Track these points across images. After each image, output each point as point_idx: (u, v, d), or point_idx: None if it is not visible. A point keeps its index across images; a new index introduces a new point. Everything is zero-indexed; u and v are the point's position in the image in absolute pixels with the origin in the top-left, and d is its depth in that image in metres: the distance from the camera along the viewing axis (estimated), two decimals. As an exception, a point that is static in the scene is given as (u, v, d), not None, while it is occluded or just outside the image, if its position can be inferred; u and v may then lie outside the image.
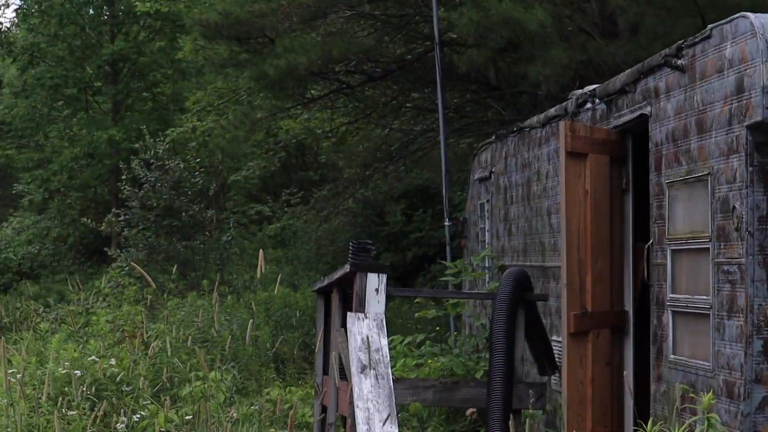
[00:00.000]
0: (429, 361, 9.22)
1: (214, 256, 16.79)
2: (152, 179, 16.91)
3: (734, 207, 5.58)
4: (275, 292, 12.23)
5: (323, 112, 17.27)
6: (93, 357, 8.76)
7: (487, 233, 11.27)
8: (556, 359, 7.86)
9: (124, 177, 17.62)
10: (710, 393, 5.57)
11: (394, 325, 11.59)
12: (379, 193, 18.15)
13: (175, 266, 13.49)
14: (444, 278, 10.92)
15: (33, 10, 23.26)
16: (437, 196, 14.50)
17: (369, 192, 18.05)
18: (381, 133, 17.35)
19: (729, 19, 5.69)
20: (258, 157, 19.95)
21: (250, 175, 20.05)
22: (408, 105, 16.48)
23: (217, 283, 10.10)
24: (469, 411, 8.59)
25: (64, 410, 7.26)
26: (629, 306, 7.78)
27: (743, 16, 5.45)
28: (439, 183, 12.71)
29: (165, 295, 12.54)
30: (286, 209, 20.18)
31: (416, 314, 10.96)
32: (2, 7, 48.17)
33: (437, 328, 11.06)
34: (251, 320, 9.13)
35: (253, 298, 13.88)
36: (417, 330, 11.32)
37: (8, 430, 7.15)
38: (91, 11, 23.25)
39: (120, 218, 17.75)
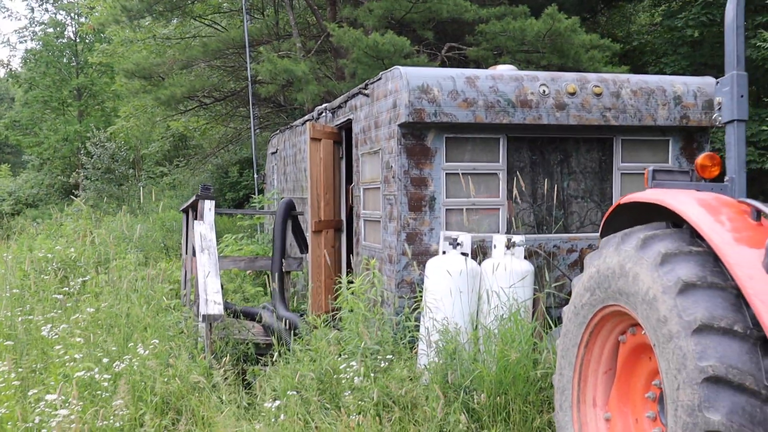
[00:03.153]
0: (245, 248, 12.80)
1: (134, 194, 24.29)
2: (98, 153, 28.63)
3: (391, 166, 7.84)
4: (165, 213, 18.45)
5: (192, 118, 24.58)
6: (59, 247, 11.32)
7: (275, 181, 15.10)
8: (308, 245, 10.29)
9: (82, 152, 29.99)
10: (375, 260, 8.03)
11: (229, 230, 16.57)
12: (224, 161, 25.46)
13: (104, 199, 23.30)
14: (253, 204, 15.84)
15: (30, 59, 36.80)
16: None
17: (219, 160, 25.70)
18: (224, 129, 25.56)
19: (390, 69, 7.99)
20: (159, 141, 29.01)
21: (154, 151, 29.01)
22: (237, 115, 24.20)
23: (135, 207, 16.35)
24: None
25: (41, 276, 9.63)
26: (343, 217, 10.53)
27: (397, 68, 7.75)
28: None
29: (105, 216, 17.90)
30: (176, 169, 28.23)
31: (238, 224, 16.71)
32: (10, 57, 69.12)
33: (249, 231, 15.60)
34: (144, 224, 13.69)
35: (155, 216, 19.21)
36: (241, 232, 15.80)
37: (6, 286, 8.96)
38: (65, 60, 36.54)
39: (80, 174, 29.80)
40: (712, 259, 4.14)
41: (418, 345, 7.12)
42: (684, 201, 4.41)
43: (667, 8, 17.54)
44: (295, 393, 5.80)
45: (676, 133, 8.49)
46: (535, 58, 16.22)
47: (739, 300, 3.95)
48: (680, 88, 8.38)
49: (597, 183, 8.41)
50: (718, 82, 4.86)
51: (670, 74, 14.44)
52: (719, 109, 4.85)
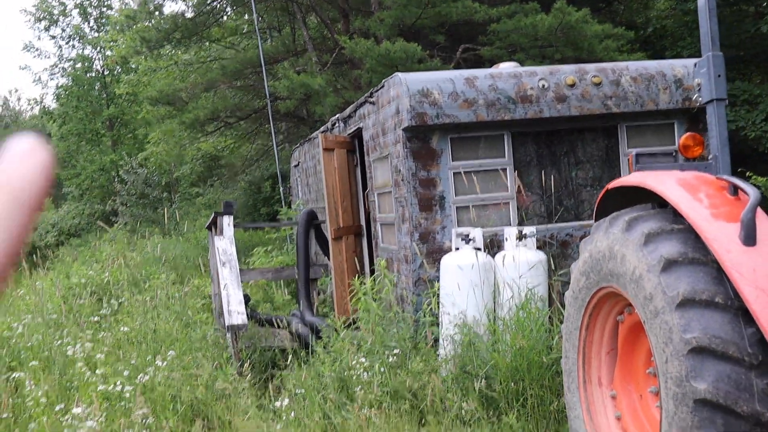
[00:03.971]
0: (275, 259, 13.00)
1: (171, 217, 24.55)
2: (131, 179, 29.31)
3: (400, 169, 7.92)
4: (201, 232, 18.67)
5: (220, 138, 24.88)
6: (92, 272, 11.71)
7: (299, 193, 15.06)
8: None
9: (116, 179, 30.75)
10: (386, 260, 8.35)
11: (260, 243, 16.58)
12: (255, 178, 25.47)
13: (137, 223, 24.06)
14: (281, 217, 15.74)
15: (62, 94, 37.15)
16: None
17: (251, 177, 25.69)
18: (251, 147, 25.65)
19: (391, 77, 8.06)
20: (191, 163, 29.13)
21: (187, 173, 29.27)
22: (262, 131, 24.05)
23: (170, 229, 17.24)
24: None
25: (77, 300, 9.98)
26: (362, 222, 10.66)
27: (397, 75, 7.86)
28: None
29: (139, 239, 18.08)
30: (210, 189, 28.64)
31: (267, 236, 16.60)
32: (43, 95, 71.03)
33: (279, 243, 15.65)
34: (178, 245, 13.63)
35: (190, 235, 19.93)
36: (271, 244, 15.75)
37: (44, 312, 9.29)
38: (95, 92, 36.95)
39: (116, 201, 29.83)
40: (694, 236, 4.25)
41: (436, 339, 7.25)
42: (664, 181, 4.54)
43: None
44: (314, 393, 5.98)
45: (680, 116, 8.53)
46: (550, 52, 16.27)
47: (719, 273, 4.06)
48: (680, 71, 8.43)
49: (605, 170, 8.49)
50: (695, 65, 4.97)
51: (687, 57, 14.42)
52: (699, 90, 4.96)
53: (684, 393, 3.94)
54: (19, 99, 76.30)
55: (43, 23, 38.65)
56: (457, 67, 16.81)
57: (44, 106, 43.13)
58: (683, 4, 17.15)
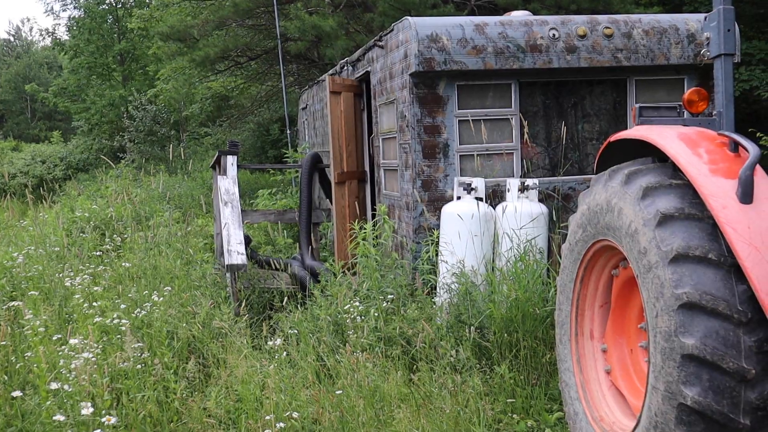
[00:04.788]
0: (278, 202, 12.99)
1: (177, 156, 24.54)
2: (140, 116, 29.32)
3: (405, 115, 7.94)
4: (208, 172, 18.50)
5: (230, 78, 24.74)
6: (96, 206, 11.71)
7: (306, 136, 15.31)
8: (334, 196, 10.37)
9: (125, 115, 30.12)
10: (384, 206, 8.23)
11: (266, 185, 16.66)
12: (264, 119, 25.57)
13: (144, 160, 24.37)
14: (286, 159, 15.65)
15: (74, 26, 37.66)
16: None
17: (260, 118, 25.73)
18: (260, 87, 25.41)
19: (400, 20, 8.02)
20: (200, 102, 28.74)
21: (196, 112, 28.99)
22: (272, 72, 23.68)
23: (177, 167, 17.61)
24: None
25: (80, 234, 10.03)
26: (366, 167, 10.68)
27: (407, 19, 7.84)
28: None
29: (145, 176, 17.92)
30: (219, 129, 28.51)
31: (271, 179, 16.76)
32: (55, 26, 73.97)
33: (283, 185, 15.75)
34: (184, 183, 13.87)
35: (197, 176, 19.77)
36: (275, 187, 15.81)
37: (46, 244, 9.49)
38: (107, 26, 36.79)
39: (124, 137, 29.84)
40: (692, 191, 4.22)
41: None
42: (666, 135, 4.49)
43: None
44: (309, 335, 6.04)
45: (691, 71, 8.45)
46: (565, 2, 16.03)
47: (715, 230, 4.04)
48: (694, 26, 8.31)
49: (612, 124, 8.44)
50: (706, 18, 4.89)
51: (704, 12, 14.18)
52: (708, 44, 4.88)
53: (672, 348, 3.96)
54: (31, 29, 75.94)
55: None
56: (471, 14, 16.59)
57: (56, 38, 43.09)
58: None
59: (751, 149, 4.04)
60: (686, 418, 3.87)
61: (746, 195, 3.90)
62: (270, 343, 5.70)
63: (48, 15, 73.14)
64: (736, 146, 4.24)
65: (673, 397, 3.92)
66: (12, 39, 71.80)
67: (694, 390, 3.83)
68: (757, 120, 13.80)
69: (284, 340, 6.00)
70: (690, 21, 8.36)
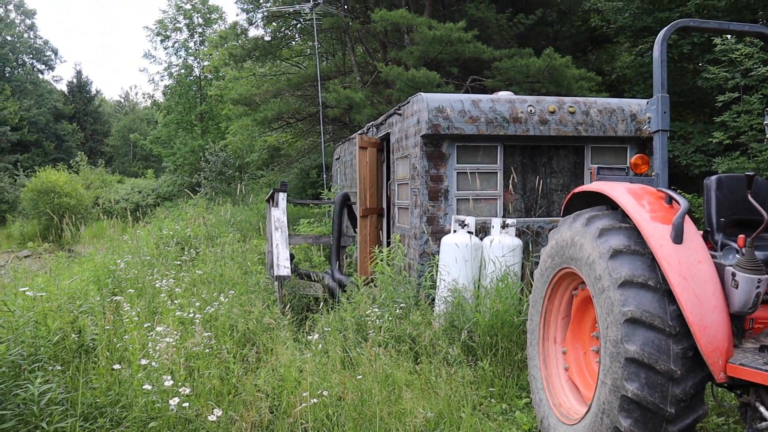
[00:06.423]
0: (315, 229, 12.91)
1: (240, 191, 24.56)
2: (213, 160, 29.89)
3: (416, 167, 7.87)
4: (261, 204, 18.48)
5: (281, 134, 24.64)
6: (178, 227, 11.62)
7: (338, 180, 14.76)
8: (359, 227, 10.39)
9: (203, 160, 31.13)
10: (398, 235, 8.12)
11: (305, 217, 16.38)
12: (306, 166, 25.04)
13: (214, 193, 24.39)
14: (323, 196, 15.63)
15: (168, 92, 38.19)
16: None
17: (303, 165, 25.29)
18: (304, 142, 25.36)
19: (415, 95, 7.97)
20: (258, 152, 28.78)
21: (255, 159, 29.01)
22: (314, 131, 23.75)
23: (238, 200, 16.67)
24: None
25: (165, 248, 10.03)
26: (384, 205, 10.55)
27: (420, 94, 7.74)
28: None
29: (215, 206, 17.76)
30: (271, 172, 27.98)
31: (310, 212, 16.65)
32: (154, 91, 73.24)
33: (320, 217, 15.55)
34: (244, 212, 13.49)
35: (254, 207, 19.39)
36: (312, 218, 15.81)
37: (140, 255, 9.55)
38: (192, 92, 37.30)
39: (201, 176, 30.82)
40: (636, 233, 4.21)
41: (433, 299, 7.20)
42: (617, 189, 4.48)
43: (638, 49, 17.20)
44: (337, 332, 5.99)
45: (632, 142, 8.41)
46: (538, 87, 16.10)
47: (653, 263, 4.01)
48: (635, 108, 8.31)
49: (573, 179, 8.38)
50: (648, 102, 4.89)
51: (640, 98, 14.20)
52: (649, 122, 4.88)
53: (618, 352, 3.91)
54: (136, 93, 76.96)
55: (159, 37, 39.12)
56: (466, 92, 16.67)
57: (155, 100, 43.89)
58: (641, 58, 16.84)
59: (682, 202, 4.03)
60: (627, 407, 3.83)
61: (678, 237, 3.87)
62: (309, 337, 5.65)
63: (150, 83, 74.23)
64: (670, 200, 4.22)
65: (617, 390, 3.87)
66: (122, 100, 72.81)
67: (633, 385, 3.79)
68: (677, 180, 13.91)
69: (319, 336, 5.94)
70: (632, 104, 8.35)
